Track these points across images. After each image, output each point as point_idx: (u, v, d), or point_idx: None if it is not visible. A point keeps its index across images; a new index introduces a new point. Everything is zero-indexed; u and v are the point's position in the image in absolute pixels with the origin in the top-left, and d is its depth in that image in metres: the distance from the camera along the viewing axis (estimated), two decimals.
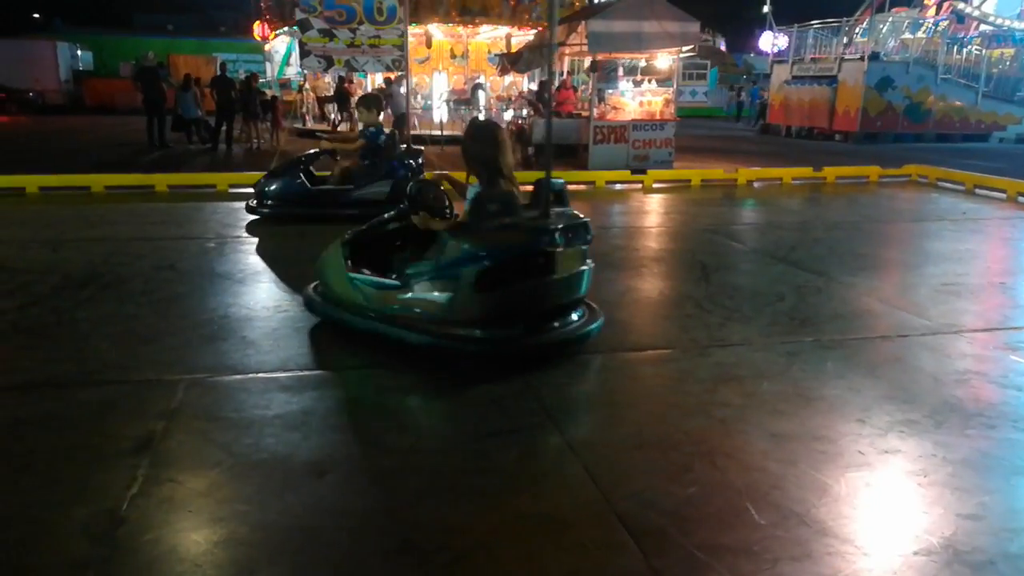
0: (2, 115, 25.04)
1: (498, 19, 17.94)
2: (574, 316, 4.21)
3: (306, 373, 3.91)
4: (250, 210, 8.16)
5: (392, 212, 4.71)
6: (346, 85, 18.38)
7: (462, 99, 18.41)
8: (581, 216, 4.19)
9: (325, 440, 3.22)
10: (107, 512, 2.60)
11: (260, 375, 3.87)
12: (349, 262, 4.34)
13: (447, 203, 4.47)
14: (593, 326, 4.20)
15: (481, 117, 17.26)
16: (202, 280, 5.68)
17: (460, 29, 18.73)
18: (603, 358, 4.19)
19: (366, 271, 4.28)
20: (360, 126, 8.43)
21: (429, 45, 18.96)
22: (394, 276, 4.15)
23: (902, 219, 9.46)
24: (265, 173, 8.68)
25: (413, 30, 17.65)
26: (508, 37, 18.74)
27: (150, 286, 5.44)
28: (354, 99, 18.37)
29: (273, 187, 8.14)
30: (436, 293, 3.95)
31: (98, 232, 7.37)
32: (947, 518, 2.66)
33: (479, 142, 4.07)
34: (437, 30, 18.73)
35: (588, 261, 4.22)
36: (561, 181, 4.33)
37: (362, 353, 4.19)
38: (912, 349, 4.43)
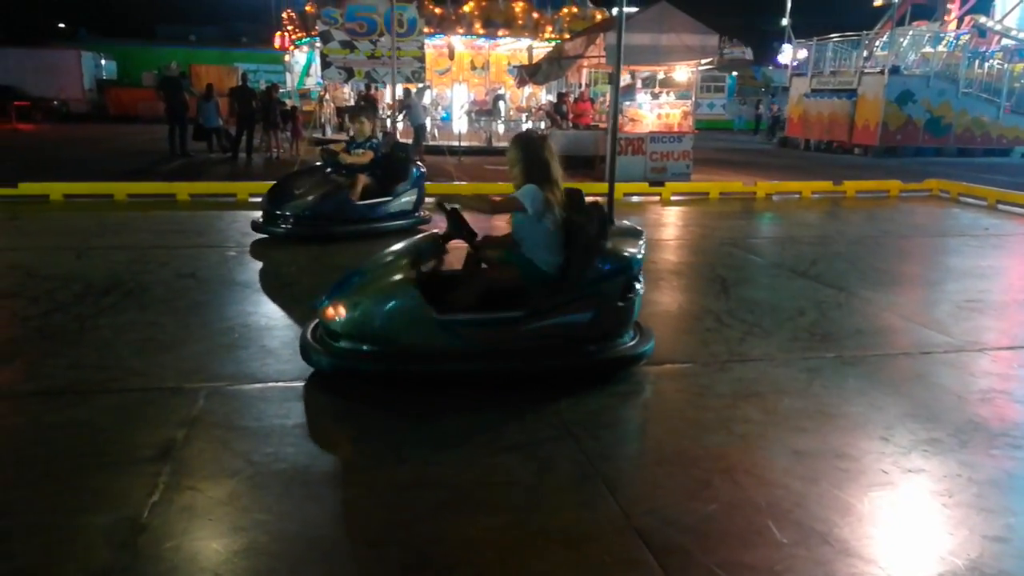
0: (27, 123, 25.38)
1: (521, 31, 18.06)
2: None
3: (325, 384, 3.91)
4: (260, 228, 7.58)
5: (423, 243, 4.28)
6: (371, 94, 18.53)
7: (483, 110, 18.49)
8: (636, 227, 4.39)
9: (344, 451, 3.23)
10: (128, 520, 2.61)
11: (279, 384, 3.89)
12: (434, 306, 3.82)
13: (470, 227, 4.27)
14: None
15: (502, 128, 17.35)
16: (222, 288, 5.72)
17: (481, 41, 18.84)
18: (623, 372, 4.17)
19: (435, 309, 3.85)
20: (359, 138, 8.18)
21: (452, 57, 19.09)
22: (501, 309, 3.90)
23: (923, 234, 9.37)
24: (272, 187, 8.00)
25: (434, 42, 17.81)
26: (529, 49, 18.84)
27: (171, 294, 5.49)
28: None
29: (297, 202, 7.50)
30: (574, 314, 3.90)
31: (121, 240, 7.45)
32: (973, 539, 2.62)
33: (534, 151, 4.05)
34: (458, 42, 18.85)
35: None
36: (579, 191, 4.26)
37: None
38: (935, 366, 4.38)
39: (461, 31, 18.06)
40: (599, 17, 18.73)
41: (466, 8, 17.81)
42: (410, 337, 3.81)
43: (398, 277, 3.90)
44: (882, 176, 13.66)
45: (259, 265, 6.55)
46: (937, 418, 3.61)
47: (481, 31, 18.11)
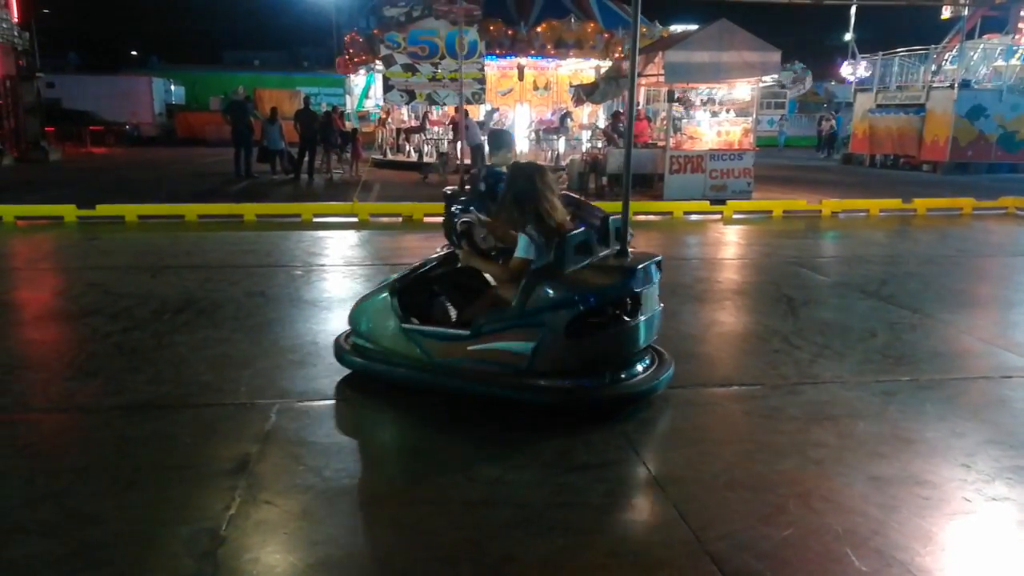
0: (100, 146, 26.52)
1: (591, 51, 18.16)
2: (645, 362, 3.99)
3: (392, 399, 3.97)
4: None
5: (434, 257, 4.40)
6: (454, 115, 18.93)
7: (551, 128, 18.62)
8: (652, 253, 4.05)
9: (412, 467, 3.26)
10: (208, 531, 2.69)
11: (349, 400, 3.95)
12: (401, 314, 4.02)
13: (494, 245, 4.22)
14: (667, 374, 3.95)
15: (562, 146, 17.36)
16: (291, 307, 5.86)
17: (545, 61, 19.01)
18: (689, 393, 4.12)
19: (415, 320, 4.05)
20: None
21: (521, 77, 19.28)
22: (457, 325, 3.95)
23: (1000, 253, 9.04)
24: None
25: (499, 63, 18.00)
26: (597, 69, 18.93)
27: (242, 312, 5.64)
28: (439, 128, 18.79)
29: None
30: (516, 342, 3.66)
31: (192, 259, 7.70)
32: None
33: (520, 184, 3.84)
34: (523, 63, 19.03)
35: (660, 302, 4.08)
36: (616, 218, 4.09)
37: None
38: (1017, 391, 4.21)
39: (533, 52, 18.27)
40: (666, 34, 18.70)
41: (539, 29, 18.02)
42: (385, 340, 4.05)
43: (384, 282, 4.27)
44: (953, 193, 13.25)
45: (325, 283, 6.70)
46: (1021, 445, 3.47)
47: (552, 52, 18.28)
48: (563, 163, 16.03)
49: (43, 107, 22.88)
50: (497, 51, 17.87)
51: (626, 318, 3.81)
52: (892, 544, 2.65)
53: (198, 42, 52.06)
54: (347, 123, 20.98)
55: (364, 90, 27.37)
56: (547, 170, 4.03)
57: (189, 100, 37.53)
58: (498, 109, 19.21)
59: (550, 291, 3.61)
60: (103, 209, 10.21)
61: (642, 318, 3.81)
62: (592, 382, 3.73)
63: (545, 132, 18.47)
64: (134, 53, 50.12)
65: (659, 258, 4.02)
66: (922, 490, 3.04)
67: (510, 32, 17.76)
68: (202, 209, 10.66)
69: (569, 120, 18.46)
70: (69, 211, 10.13)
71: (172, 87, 36.29)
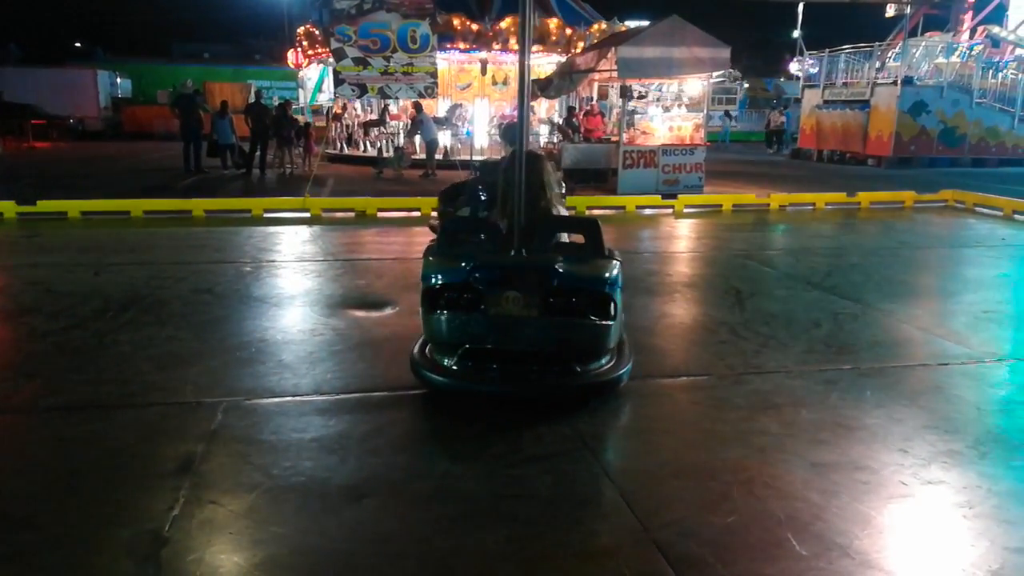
0: (43, 141, 25.70)
1: (554, 47, 18.17)
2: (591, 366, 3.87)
3: (342, 396, 3.94)
4: None
5: None
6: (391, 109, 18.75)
7: (512, 123, 18.64)
8: (551, 262, 3.80)
9: (362, 464, 3.24)
10: (150, 533, 2.63)
11: (297, 398, 3.91)
12: None
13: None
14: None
15: (543, 138, 17.40)
16: (239, 304, 5.77)
17: (504, 56, 18.97)
18: (638, 384, 4.17)
19: None
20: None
21: (484, 72, 19.22)
22: None
23: (939, 245, 9.33)
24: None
25: (459, 57, 17.91)
26: (559, 65, 18.97)
27: (189, 309, 5.54)
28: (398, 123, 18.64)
29: None
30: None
31: (138, 256, 7.53)
32: (994, 551, 2.60)
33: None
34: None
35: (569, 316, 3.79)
36: (590, 219, 4.20)
37: (393, 377, 4.21)
38: (953, 378, 4.35)
39: (497, 47, 18.21)
40: (623, 29, 18.81)
41: (502, 24, 17.97)
42: None
43: None
44: (896, 187, 13.61)
45: (275, 280, 6.61)
46: (956, 430, 3.59)
47: (516, 47, 18.23)
48: None
49: None
50: (461, 45, 17.79)
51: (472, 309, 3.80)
52: (832, 528, 2.72)
53: (145, 34, 50.87)
54: (300, 117, 20.69)
55: (317, 84, 27.00)
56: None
57: (136, 93, 36.50)
58: (460, 104, 19.12)
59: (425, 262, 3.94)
60: (44, 205, 9.89)
61: (490, 314, 3.76)
62: (477, 371, 3.87)
63: (507, 126, 18.48)
64: (78, 45, 48.67)
65: (545, 266, 3.79)
66: (861, 475, 3.13)
67: (474, 27, 17.70)
68: (148, 205, 10.42)
69: (532, 114, 18.51)
70: (8, 207, 9.79)
71: (118, 80, 35.22)
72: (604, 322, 3.81)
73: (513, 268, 3.81)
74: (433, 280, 3.82)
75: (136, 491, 2.93)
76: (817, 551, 2.58)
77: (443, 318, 3.82)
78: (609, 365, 3.91)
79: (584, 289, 3.81)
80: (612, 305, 3.82)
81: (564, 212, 4.52)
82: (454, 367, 3.85)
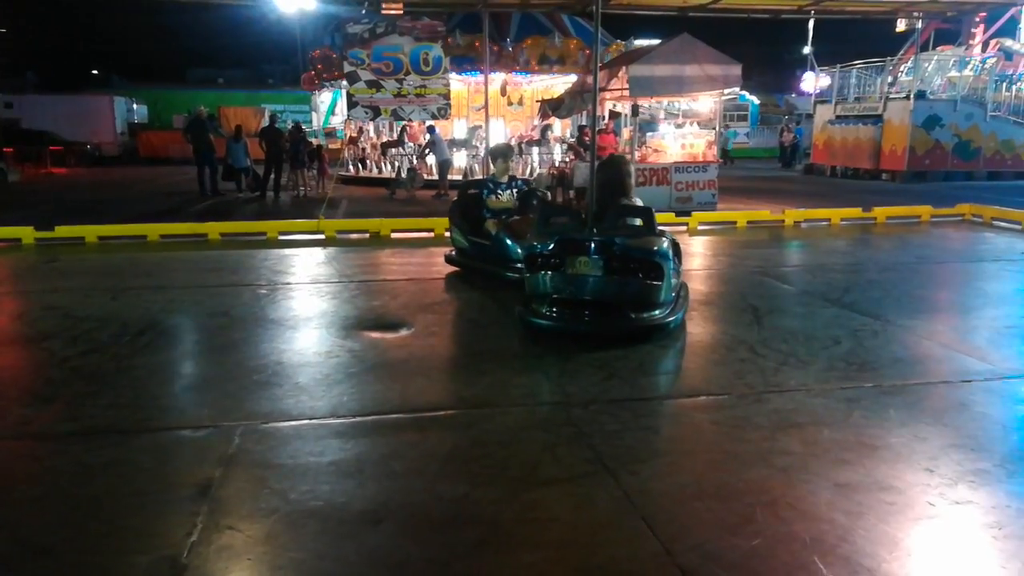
0: (60, 167, 26.04)
1: (574, 67, 18.33)
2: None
3: (359, 419, 3.93)
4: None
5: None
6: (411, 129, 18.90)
7: (532, 142, 18.74)
8: (612, 237, 5.26)
9: (380, 487, 3.21)
10: (169, 559, 2.62)
11: (314, 421, 3.90)
12: None
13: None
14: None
15: (557, 158, 17.53)
16: (255, 326, 5.78)
17: (520, 77, 19.14)
18: (656, 404, 4.13)
19: None
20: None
21: (504, 93, 19.38)
22: None
23: (958, 260, 9.23)
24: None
25: (476, 78, 18.11)
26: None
27: (206, 333, 5.56)
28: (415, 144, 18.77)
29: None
30: None
31: (155, 280, 7.57)
32: None
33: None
34: (500, 78, 19.12)
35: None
36: (645, 207, 5.70)
37: (410, 399, 4.20)
38: (977, 395, 4.28)
39: (518, 68, 18.40)
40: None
41: (523, 45, 18.18)
42: None
43: None
44: (912, 202, 13.50)
45: (291, 303, 6.62)
46: (982, 448, 3.53)
47: (536, 68, 18.45)
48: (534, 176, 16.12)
49: (1, 127, 22.41)
50: (481, 67, 18.03)
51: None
52: (859, 551, 2.67)
53: (161, 60, 51.63)
54: (314, 140, 20.87)
55: (331, 107, 27.27)
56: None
57: (152, 119, 37.04)
58: (480, 126, 19.31)
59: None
60: (62, 230, 10.00)
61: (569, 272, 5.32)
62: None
63: (527, 145, 18.60)
64: (95, 72, 49.44)
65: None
66: (887, 495, 3.07)
67: (495, 48, 17.88)
68: (164, 229, 10.51)
69: (550, 133, 18.61)
70: (27, 233, 9.91)
71: (135, 105, 35.79)
72: (653, 282, 5.19)
73: (584, 241, 5.22)
74: (532, 249, 5.42)
75: (154, 517, 2.92)
76: (844, 574, 2.53)
77: (538, 276, 5.34)
78: (660, 314, 5.30)
79: (636, 257, 5.18)
80: (658, 270, 5.17)
81: (639, 203, 5.85)
82: (553, 313, 5.33)
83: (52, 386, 4.44)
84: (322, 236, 10.47)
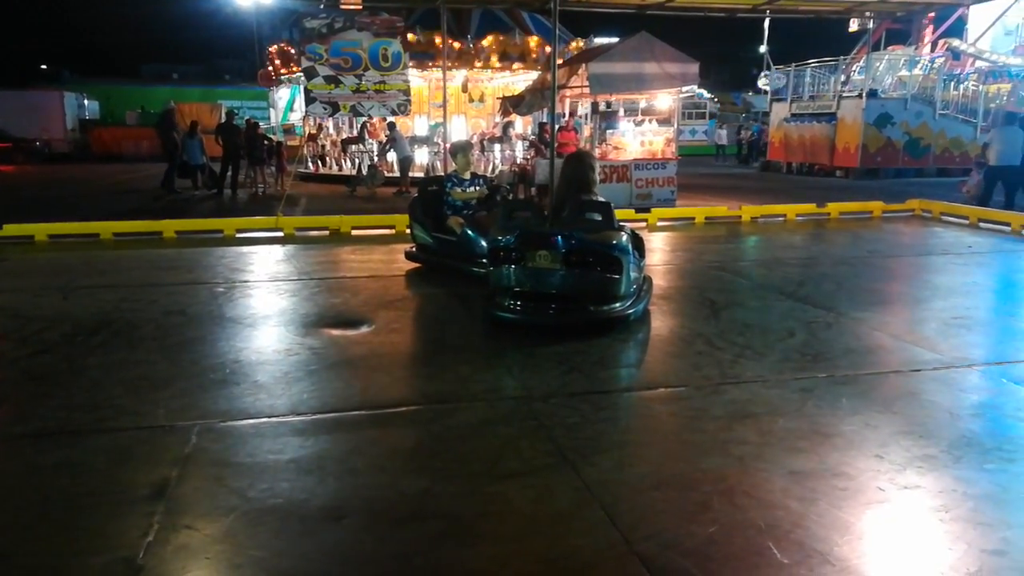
0: (8, 164, 25.31)
1: (534, 64, 18.34)
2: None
3: (318, 416, 3.90)
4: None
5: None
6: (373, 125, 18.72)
7: (494, 139, 18.73)
8: (571, 231, 5.32)
9: (340, 484, 3.20)
10: (124, 560, 2.58)
11: (273, 419, 3.86)
12: None
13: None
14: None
15: (519, 155, 17.54)
16: (212, 325, 5.70)
17: (481, 74, 19.09)
18: (616, 397, 4.18)
19: None
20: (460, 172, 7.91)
21: (465, 90, 19.31)
22: None
23: (908, 253, 9.48)
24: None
25: (437, 75, 18.07)
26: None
27: (161, 332, 5.46)
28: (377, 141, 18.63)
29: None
30: None
31: (108, 279, 7.41)
32: (971, 554, 2.63)
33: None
34: (461, 76, 19.07)
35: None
36: (604, 202, 5.71)
37: (371, 395, 4.19)
38: (926, 384, 4.41)
39: (479, 64, 18.35)
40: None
41: (484, 42, 18.11)
42: None
43: None
44: (864, 197, 13.83)
45: (248, 301, 6.53)
46: (930, 434, 3.63)
47: (497, 65, 18.43)
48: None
49: None
50: (441, 63, 17.97)
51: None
52: (811, 535, 2.74)
53: (114, 55, 50.43)
54: (272, 136, 20.60)
55: (289, 103, 26.94)
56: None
57: (104, 115, 36.13)
58: (442, 123, 19.26)
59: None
60: (10, 229, 9.72)
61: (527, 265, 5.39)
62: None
63: (489, 142, 18.58)
64: (44, 67, 48.10)
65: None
66: (839, 482, 3.15)
67: (456, 45, 17.81)
68: (118, 227, 10.27)
69: (511, 130, 18.62)
70: None
71: (86, 101, 34.87)
72: (611, 276, 5.29)
73: (543, 235, 5.32)
74: (495, 243, 5.48)
75: (109, 518, 2.87)
76: (798, 558, 2.59)
77: (501, 269, 5.42)
78: (620, 307, 5.40)
79: (594, 251, 5.26)
80: (617, 263, 5.27)
81: (600, 198, 5.84)
82: (516, 306, 5.42)
83: (1, 387, 4.33)
84: (281, 233, 10.35)
